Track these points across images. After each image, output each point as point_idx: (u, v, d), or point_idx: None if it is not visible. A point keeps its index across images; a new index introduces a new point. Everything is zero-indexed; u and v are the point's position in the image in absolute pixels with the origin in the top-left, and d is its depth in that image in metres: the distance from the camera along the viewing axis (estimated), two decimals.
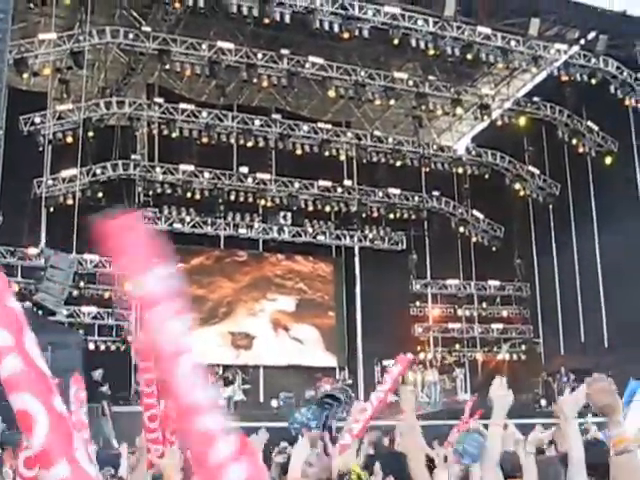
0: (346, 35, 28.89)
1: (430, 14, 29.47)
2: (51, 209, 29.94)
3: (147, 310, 2.29)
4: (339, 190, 35.59)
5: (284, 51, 31.02)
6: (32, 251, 28.81)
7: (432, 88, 33.32)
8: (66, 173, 30.37)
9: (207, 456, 2.14)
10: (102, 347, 30.68)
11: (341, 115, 36.21)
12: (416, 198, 36.82)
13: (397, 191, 36.18)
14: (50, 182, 30.15)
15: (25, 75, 28.78)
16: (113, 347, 30.98)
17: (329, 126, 34.85)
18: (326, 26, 28.57)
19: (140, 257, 2.36)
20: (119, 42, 29.67)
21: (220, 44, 30.20)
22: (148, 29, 29.72)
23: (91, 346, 29.88)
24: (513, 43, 30.34)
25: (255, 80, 31.15)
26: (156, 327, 2.23)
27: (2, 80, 21.58)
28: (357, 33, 28.80)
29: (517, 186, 36.88)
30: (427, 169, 36.44)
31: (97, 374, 24.91)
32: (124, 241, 2.36)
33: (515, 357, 36.77)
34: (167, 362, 2.20)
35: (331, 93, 32.21)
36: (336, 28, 28.66)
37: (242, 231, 34.19)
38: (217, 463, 2.13)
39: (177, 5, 27.76)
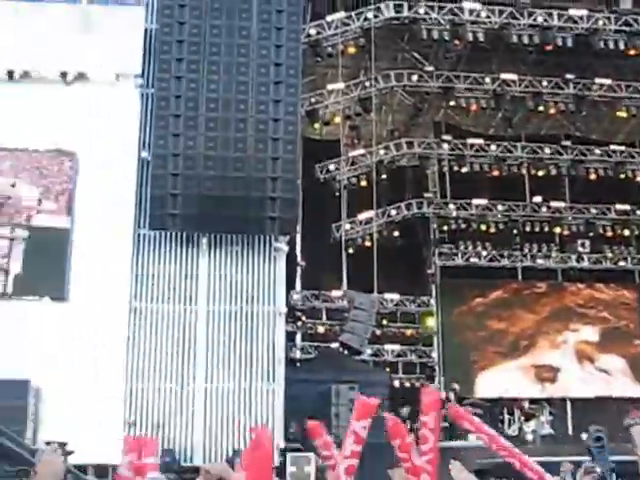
0: (632, 52, 28.04)
1: None
2: (350, 251, 30.80)
3: None
4: (638, 212, 34.27)
5: (569, 76, 30.49)
6: (335, 293, 29.81)
7: None
8: (362, 216, 31.25)
9: None
10: (407, 384, 31.09)
11: (634, 135, 34.94)
12: None
13: None
14: (348, 226, 31.11)
15: (317, 125, 30.09)
16: (417, 384, 31.32)
17: (622, 147, 33.73)
18: (611, 45, 27.89)
19: None
20: (404, 84, 30.39)
21: (503, 76, 30.18)
22: (431, 68, 30.25)
23: (396, 384, 30.36)
24: None
25: (541, 108, 30.85)
26: None
27: (296, 132, 22.61)
28: None
29: None
30: None
31: (404, 411, 25.25)
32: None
33: None
34: None
35: (621, 113, 31.25)
36: (621, 45, 27.90)
37: (540, 261, 33.68)
38: None
39: (457, 42, 28.13)
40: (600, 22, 27.80)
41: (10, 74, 22.59)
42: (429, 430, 6.51)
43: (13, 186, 22.15)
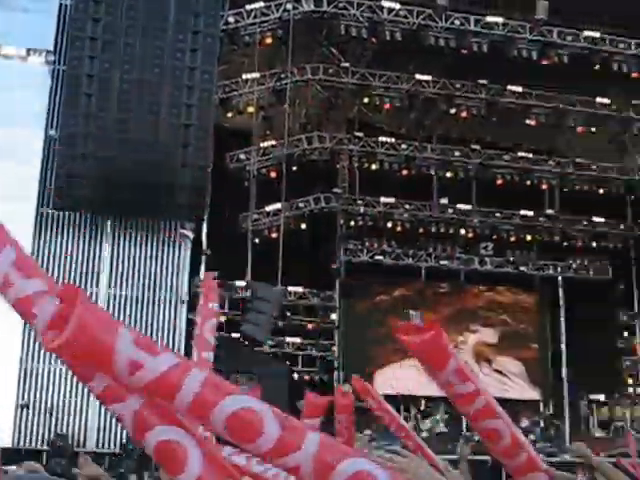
0: (545, 62, 28.57)
1: (632, 36, 28.76)
2: (256, 242, 30.65)
3: None
4: (541, 219, 34.91)
5: (482, 81, 30.92)
6: (239, 283, 29.68)
7: (636, 112, 32.34)
8: (270, 207, 31.17)
9: None
10: (306, 377, 31.16)
11: (542, 143, 35.57)
12: (621, 226, 35.62)
13: (601, 219, 35.11)
14: (255, 216, 31.00)
15: (230, 114, 29.91)
16: (317, 378, 31.42)
17: (530, 155, 34.32)
18: (524, 54, 28.35)
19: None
20: (319, 78, 30.42)
21: (418, 76, 30.44)
22: (347, 64, 30.33)
23: (295, 377, 30.40)
24: None
25: (453, 111, 31.21)
26: None
27: (209, 119, 22.49)
28: (556, 59, 28.44)
29: None
30: (632, 196, 35.30)
31: (301, 404, 25.29)
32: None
33: None
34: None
35: (530, 121, 31.81)
36: (534, 55, 28.39)
37: (443, 262, 34.03)
38: None
39: (374, 40, 28.30)
40: (515, 30, 28.25)
41: None
42: (345, 428, 6.76)
43: None
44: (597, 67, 29.10)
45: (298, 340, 31.73)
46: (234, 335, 28.12)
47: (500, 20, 28.41)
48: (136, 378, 2.06)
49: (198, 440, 2.23)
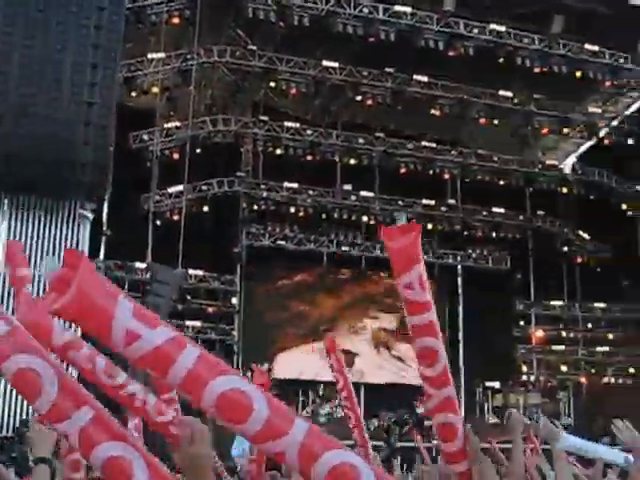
0: (451, 53, 28.88)
1: (536, 31, 29.26)
2: (157, 223, 30.31)
3: None
4: (442, 209, 35.33)
5: (389, 69, 31.08)
6: (139, 265, 29.33)
7: (538, 106, 32.93)
8: (173, 189, 30.83)
9: None
10: None
11: (446, 133, 35.97)
12: (520, 217, 36.30)
13: (501, 210, 35.71)
14: (157, 198, 30.64)
15: (134, 93, 29.47)
16: None
17: (433, 144, 34.68)
18: (431, 44, 28.62)
19: None
20: (225, 60, 30.16)
21: (325, 63, 30.45)
22: (254, 48, 30.16)
23: None
24: (622, 60, 29.87)
25: (359, 98, 31.32)
26: None
27: (112, 97, 22.15)
28: (462, 51, 28.78)
29: (624, 206, 36.06)
30: (532, 188, 35.99)
31: None
32: None
33: (621, 381, 35.86)
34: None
35: (435, 111, 32.12)
36: (441, 46, 28.67)
37: (345, 249, 34.17)
38: None
39: (282, 24, 28.19)
40: (423, 21, 28.48)
41: None
42: None
43: None
44: (501, 60, 29.55)
45: (198, 324, 31.50)
46: None
47: (408, 10, 28.59)
48: (132, 348, 2.10)
49: (142, 452, 2.26)
